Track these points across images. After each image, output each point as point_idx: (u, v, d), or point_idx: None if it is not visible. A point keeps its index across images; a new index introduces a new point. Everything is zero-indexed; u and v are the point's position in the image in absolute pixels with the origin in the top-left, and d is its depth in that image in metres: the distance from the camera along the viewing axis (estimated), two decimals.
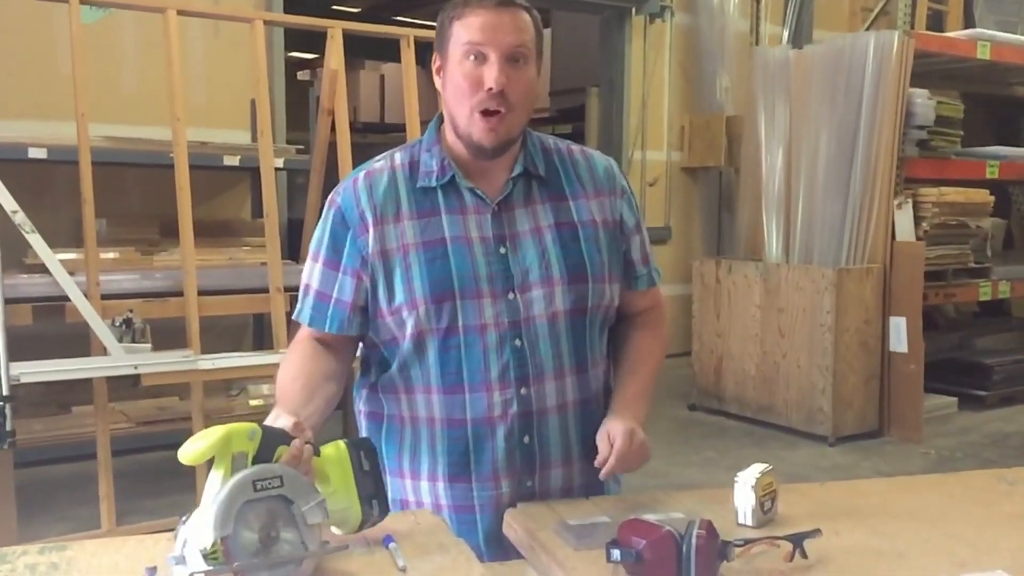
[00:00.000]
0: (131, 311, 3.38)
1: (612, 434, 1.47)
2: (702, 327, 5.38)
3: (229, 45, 4.97)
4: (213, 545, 1.07)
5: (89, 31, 4.51)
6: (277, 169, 4.54)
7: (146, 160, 4.31)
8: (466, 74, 1.47)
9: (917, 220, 4.96)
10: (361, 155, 2.29)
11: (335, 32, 3.80)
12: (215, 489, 1.10)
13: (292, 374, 1.49)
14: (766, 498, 1.30)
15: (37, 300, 3.39)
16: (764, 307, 5.03)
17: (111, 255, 4.01)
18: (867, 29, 5.55)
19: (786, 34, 6.07)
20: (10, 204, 3.12)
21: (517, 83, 1.47)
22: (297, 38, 6.41)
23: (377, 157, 1.60)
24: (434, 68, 1.56)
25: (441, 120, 1.59)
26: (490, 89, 1.45)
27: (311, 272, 1.57)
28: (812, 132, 5.05)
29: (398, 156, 1.59)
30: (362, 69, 8.83)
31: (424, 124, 1.93)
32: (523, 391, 1.50)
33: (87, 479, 3.60)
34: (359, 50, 6.81)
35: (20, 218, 3.14)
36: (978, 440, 4.91)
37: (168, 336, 3.55)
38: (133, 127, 4.48)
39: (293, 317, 1.60)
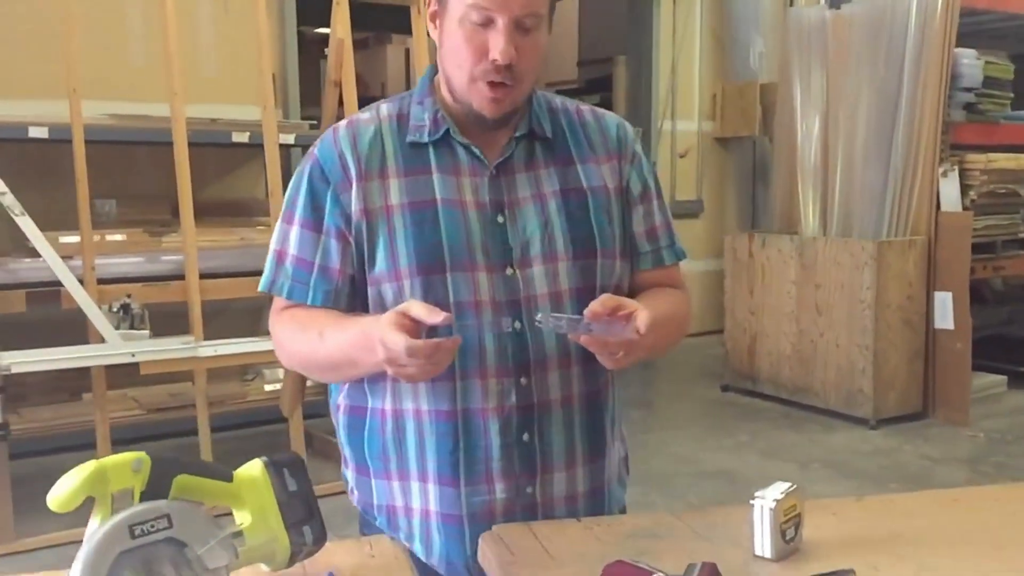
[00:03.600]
0: (129, 296, 3.23)
1: (639, 317, 1.19)
2: (734, 304, 5.14)
3: (241, 19, 4.79)
4: None
5: (95, 5, 4.38)
6: (289, 145, 4.38)
7: (156, 138, 4.15)
8: (468, 37, 1.27)
9: (964, 189, 4.67)
10: None
11: None
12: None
13: (304, 325, 1.32)
14: (788, 524, 1.09)
15: (32, 285, 3.25)
16: (800, 283, 4.79)
17: (118, 237, 3.87)
18: None
19: None
20: None
21: (527, 53, 1.28)
22: (322, 14, 6.24)
23: (363, 109, 1.41)
24: (428, 12, 1.34)
25: (435, 71, 1.38)
26: (495, 61, 1.25)
27: (284, 236, 1.36)
28: (851, 97, 4.78)
29: (385, 107, 1.40)
30: (389, 44, 8.66)
31: None
32: (523, 380, 1.30)
33: None
34: (386, 24, 6.61)
35: (9, 200, 3.00)
36: None
37: (175, 321, 3.41)
38: (143, 104, 4.32)
39: (262, 288, 1.37)
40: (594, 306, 1.19)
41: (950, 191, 4.60)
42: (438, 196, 1.31)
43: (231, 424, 4.39)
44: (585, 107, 1.46)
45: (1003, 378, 5.07)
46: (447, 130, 1.33)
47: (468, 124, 1.34)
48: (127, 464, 0.93)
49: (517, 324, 1.30)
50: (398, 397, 1.34)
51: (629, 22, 6.67)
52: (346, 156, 1.32)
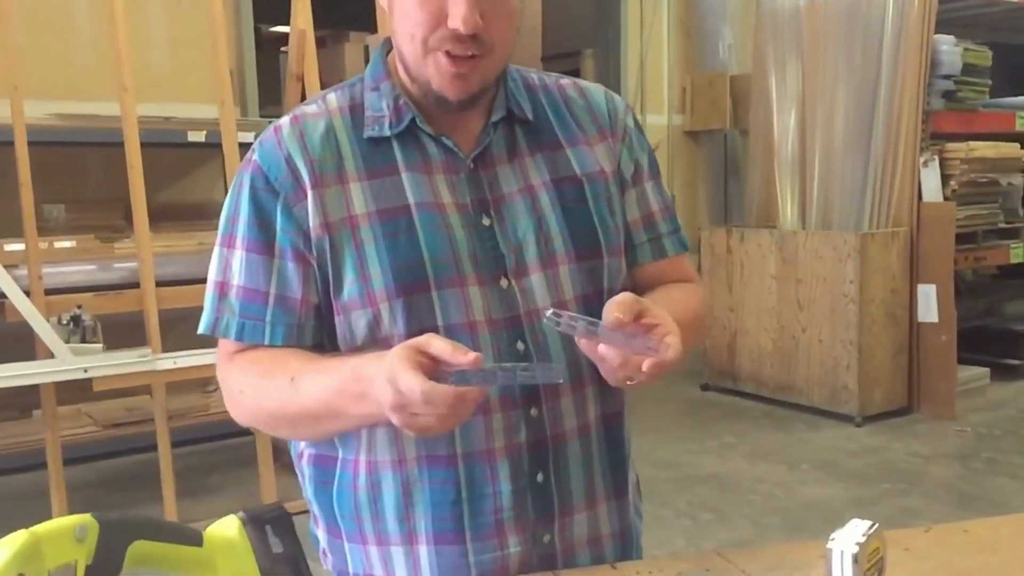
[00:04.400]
0: (79, 307, 3.01)
1: (671, 334, 0.99)
2: (713, 301, 4.99)
3: (194, 12, 4.56)
4: None
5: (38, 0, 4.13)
6: (249, 144, 4.16)
7: (107, 138, 3.91)
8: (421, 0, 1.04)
9: (944, 178, 4.57)
10: None
11: None
12: None
13: (269, 371, 1.07)
14: (872, 571, 0.93)
15: None
16: (780, 278, 4.66)
17: (67, 244, 3.63)
18: None
19: None
20: None
21: (496, 19, 1.05)
22: (280, 13, 6.02)
23: (306, 101, 1.19)
24: None
25: (389, 47, 1.16)
26: (456, 30, 1.03)
27: (226, 263, 1.11)
28: (828, 87, 4.67)
29: (334, 97, 1.16)
30: (347, 42, 8.45)
31: None
32: (532, 412, 1.10)
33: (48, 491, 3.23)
34: (344, 22, 6.41)
35: None
36: (1015, 414, 4.55)
37: (131, 333, 3.18)
38: (91, 103, 4.08)
39: (202, 330, 1.12)
40: (615, 311, 0.98)
41: (931, 181, 4.50)
42: (411, 200, 1.10)
43: (193, 438, 4.17)
44: (566, 80, 1.25)
45: (986, 370, 4.98)
46: (412, 119, 1.11)
47: (433, 110, 1.12)
48: (68, 532, 0.75)
49: (520, 345, 1.09)
50: (374, 447, 1.12)
51: (595, 14, 6.53)
52: (295, 160, 1.09)
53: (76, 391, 3.53)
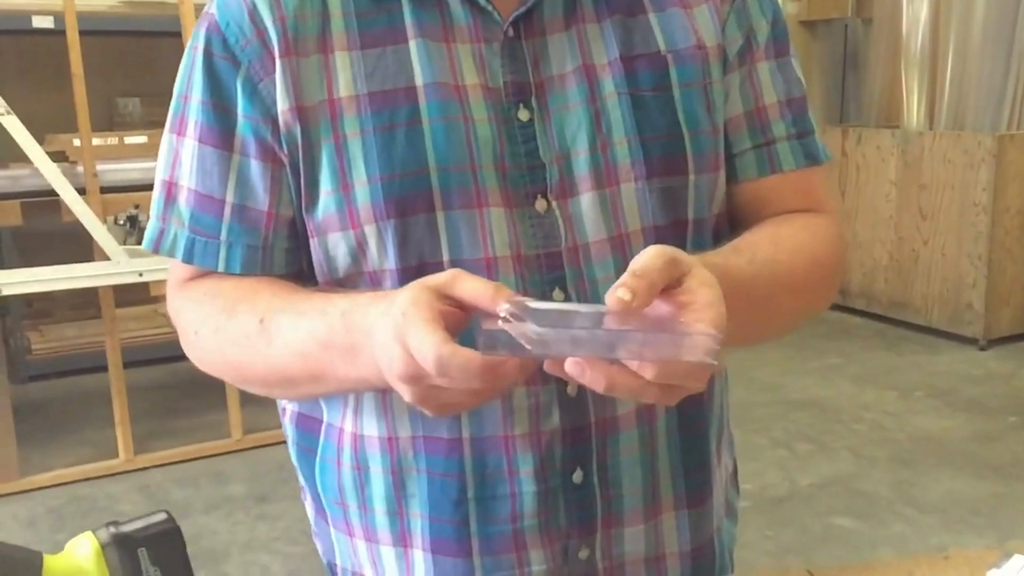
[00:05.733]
0: (137, 207, 2.85)
1: (702, 315, 0.63)
2: None
3: None
4: None
5: None
6: None
7: (180, 27, 3.74)
8: None
9: None
10: None
11: None
12: None
13: (230, 308, 0.80)
14: None
15: (29, 195, 2.88)
16: (901, 184, 4.23)
17: (139, 139, 3.51)
18: None
19: None
20: None
21: None
22: None
23: None
24: None
25: None
26: None
27: (175, 156, 0.83)
28: None
29: None
30: None
31: None
32: (570, 387, 0.79)
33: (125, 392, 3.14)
34: None
35: None
36: None
37: None
38: None
39: (145, 245, 0.85)
40: (633, 282, 0.61)
41: None
42: (419, 81, 0.78)
43: None
44: None
45: None
46: None
47: None
48: None
49: (558, 294, 0.79)
50: (360, 414, 0.83)
51: None
52: (261, 15, 0.79)
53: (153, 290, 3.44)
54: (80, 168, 2.89)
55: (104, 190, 2.89)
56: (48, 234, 3.33)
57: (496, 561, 0.81)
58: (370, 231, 0.78)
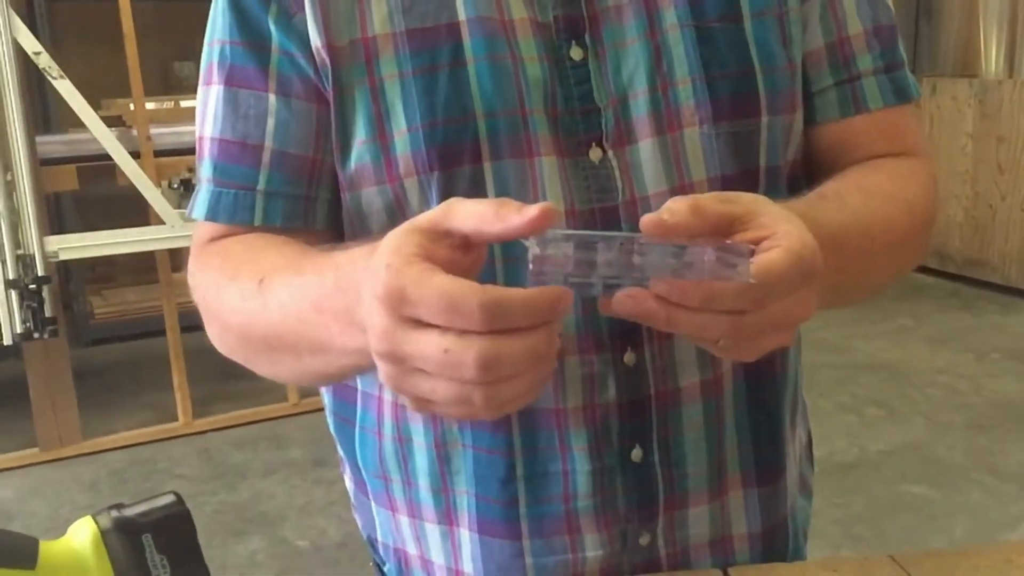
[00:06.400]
0: (191, 171, 2.83)
1: (777, 242, 0.55)
2: None
3: None
4: None
5: None
6: None
7: None
8: None
9: None
10: None
11: None
12: None
13: (236, 270, 0.71)
14: None
15: (84, 160, 2.88)
16: (978, 136, 4.05)
17: (195, 103, 3.49)
18: None
19: None
20: (32, 45, 2.58)
21: None
22: None
23: None
24: None
25: None
26: None
27: (204, 108, 0.76)
28: None
29: None
30: None
31: None
32: (627, 357, 0.72)
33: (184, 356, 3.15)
34: None
35: (45, 60, 2.60)
36: None
37: None
38: None
39: (187, 212, 0.79)
40: (674, 203, 0.54)
41: None
42: (461, 15, 0.70)
43: None
44: None
45: None
46: None
47: None
48: None
49: None
50: None
51: None
52: None
53: None
54: (135, 132, 2.88)
55: (160, 154, 2.88)
56: (107, 199, 3.33)
57: (547, 544, 0.75)
58: (410, 184, 0.71)
